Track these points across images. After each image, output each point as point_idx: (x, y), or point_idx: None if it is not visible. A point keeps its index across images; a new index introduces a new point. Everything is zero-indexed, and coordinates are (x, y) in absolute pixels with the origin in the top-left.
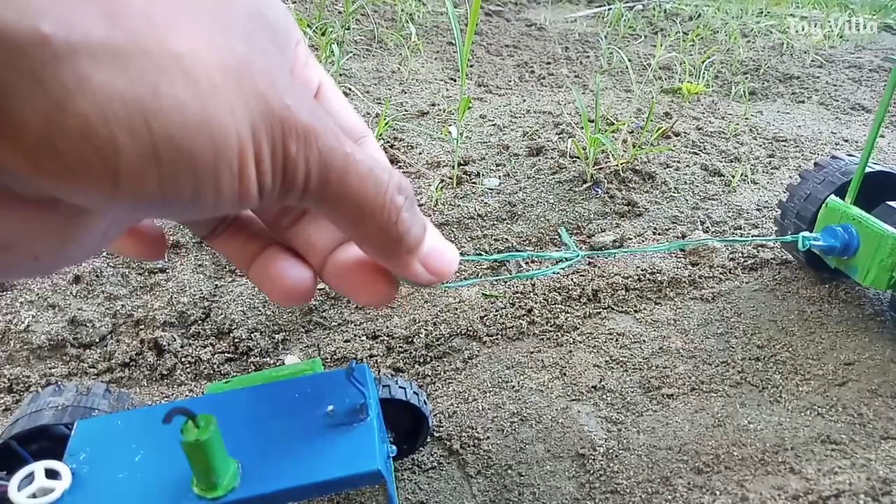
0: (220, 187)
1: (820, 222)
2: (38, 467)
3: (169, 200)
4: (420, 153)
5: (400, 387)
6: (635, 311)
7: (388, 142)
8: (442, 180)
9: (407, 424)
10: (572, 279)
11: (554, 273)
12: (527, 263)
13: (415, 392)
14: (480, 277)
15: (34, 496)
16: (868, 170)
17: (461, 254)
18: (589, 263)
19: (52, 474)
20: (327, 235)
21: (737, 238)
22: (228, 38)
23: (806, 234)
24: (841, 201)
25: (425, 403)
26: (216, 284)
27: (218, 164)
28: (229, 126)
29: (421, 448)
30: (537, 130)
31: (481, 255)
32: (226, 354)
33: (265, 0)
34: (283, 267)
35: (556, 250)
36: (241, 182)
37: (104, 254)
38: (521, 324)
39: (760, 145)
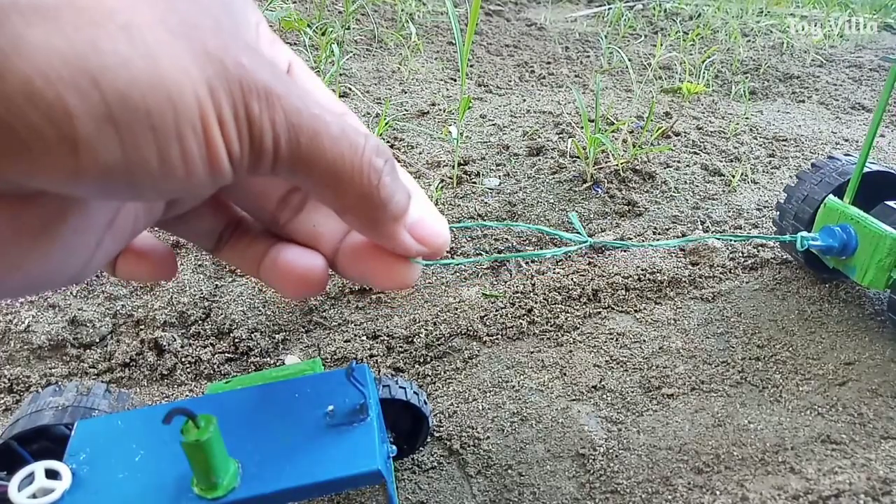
0: (187, 152)
1: (818, 222)
2: (39, 467)
3: (136, 172)
4: (420, 153)
5: (400, 387)
6: (635, 311)
7: (388, 142)
8: (442, 180)
9: (407, 424)
10: (572, 279)
11: (559, 255)
12: (527, 263)
13: (415, 392)
14: (480, 273)
15: (34, 496)
16: (866, 169)
17: (463, 254)
18: (589, 263)
19: (52, 474)
20: (334, 223)
21: (738, 235)
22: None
23: (804, 233)
24: (839, 201)
25: (425, 403)
26: (216, 284)
27: (180, 125)
28: (184, 83)
29: (421, 448)
30: (537, 130)
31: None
32: (226, 354)
33: None
34: (291, 257)
35: (558, 248)
36: (209, 146)
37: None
38: (521, 324)
39: (760, 145)
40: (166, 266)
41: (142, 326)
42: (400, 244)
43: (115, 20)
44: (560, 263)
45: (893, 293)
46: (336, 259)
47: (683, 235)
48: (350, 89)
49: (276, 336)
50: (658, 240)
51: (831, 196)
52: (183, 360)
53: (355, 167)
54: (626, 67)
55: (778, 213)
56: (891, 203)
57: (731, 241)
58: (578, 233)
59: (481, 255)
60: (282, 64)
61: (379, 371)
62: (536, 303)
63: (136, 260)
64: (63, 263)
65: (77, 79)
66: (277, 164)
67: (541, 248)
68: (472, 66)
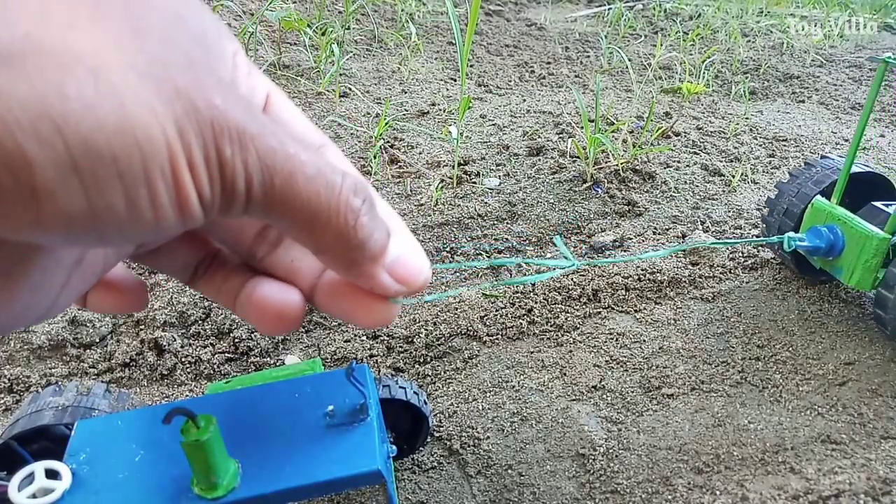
0: (156, 197)
1: (805, 223)
2: (39, 467)
3: (103, 219)
4: (420, 153)
5: (400, 387)
6: (635, 311)
7: (388, 142)
8: (442, 180)
9: (407, 424)
10: (572, 279)
11: (548, 278)
12: (519, 269)
13: (415, 392)
14: (480, 274)
15: (34, 496)
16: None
17: (463, 254)
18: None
19: (52, 474)
20: (312, 259)
21: (726, 241)
22: (138, 39)
23: (791, 234)
24: (826, 202)
25: (425, 403)
26: None
27: (149, 170)
28: (153, 125)
29: (421, 448)
30: (537, 130)
31: (477, 252)
32: (226, 354)
33: (188, 7)
34: (267, 292)
35: (552, 256)
36: (179, 190)
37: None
38: (521, 324)
39: (760, 145)
40: (137, 297)
41: (142, 326)
42: (378, 284)
43: (85, 63)
44: (554, 271)
45: (877, 306)
46: (314, 294)
47: (683, 236)
48: (350, 89)
49: (276, 336)
50: (658, 240)
51: (819, 197)
52: (183, 360)
53: (332, 207)
54: (626, 67)
55: (764, 225)
56: (878, 204)
57: (722, 245)
58: (566, 256)
59: (481, 255)
60: (259, 95)
61: (379, 371)
62: (536, 303)
63: (106, 293)
64: (29, 304)
65: (38, 126)
66: (250, 205)
67: (540, 249)
68: (472, 66)
